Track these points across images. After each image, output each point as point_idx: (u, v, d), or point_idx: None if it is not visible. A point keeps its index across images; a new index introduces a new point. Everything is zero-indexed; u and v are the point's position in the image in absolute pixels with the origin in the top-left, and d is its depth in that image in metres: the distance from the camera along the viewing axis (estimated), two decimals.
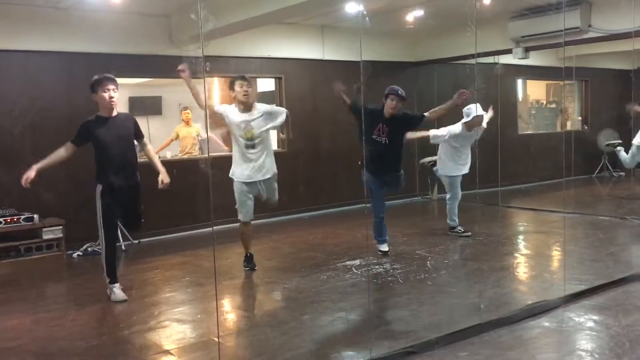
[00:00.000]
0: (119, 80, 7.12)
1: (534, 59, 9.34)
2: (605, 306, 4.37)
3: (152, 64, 7.40)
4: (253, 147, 5.46)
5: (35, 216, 6.30)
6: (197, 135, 8.96)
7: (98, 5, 6.56)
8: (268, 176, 5.55)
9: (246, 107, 5.48)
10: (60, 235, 6.39)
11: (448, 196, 6.99)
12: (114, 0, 6.31)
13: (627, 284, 4.79)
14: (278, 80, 8.72)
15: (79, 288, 5.54)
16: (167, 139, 8.96)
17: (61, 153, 4.85)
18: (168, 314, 4.52)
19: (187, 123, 8.96)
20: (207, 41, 6.57)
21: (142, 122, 6.58)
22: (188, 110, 8.96)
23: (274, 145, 8.56)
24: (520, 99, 11.84)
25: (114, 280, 4.90)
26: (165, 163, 5.32)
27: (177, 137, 8.96)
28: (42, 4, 6.41)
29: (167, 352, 3.90)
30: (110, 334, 4.17)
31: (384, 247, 6.08)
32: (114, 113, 4.83)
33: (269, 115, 5.54)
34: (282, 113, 5.61)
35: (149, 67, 7.48)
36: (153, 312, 4.62)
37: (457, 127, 6.68)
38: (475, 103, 6.41)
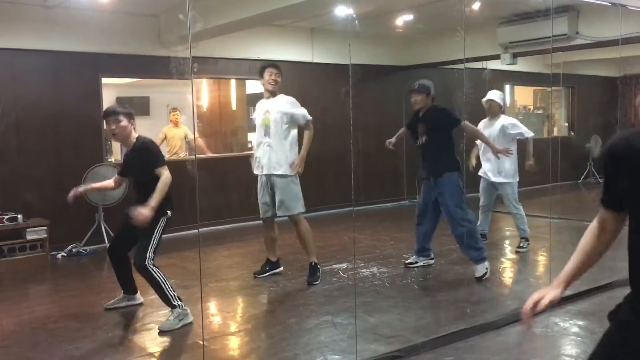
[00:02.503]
0: (105, 80, 7.18)
1: (522, 65, 9.40)
2: (590, 311, 4.39)
3: (140, 64, 7.37)
4: (268, 135, 5.24)
5: (19, 216, 6.23)
6: (185, 137, 8.93)
7: (86, 4, 6.52)
8: (279, 172, 5.20)
9: (272, 95, 5.33)
10: (45, 235, 6.32)
11: None
12: None
13: (611, 289, 4.81)
14: None
15: (63, 289, 5.48)
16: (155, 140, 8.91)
17: (108, 183, 4.78)
18: (152, 317, 4.48)
19: (176, 124, 8.92)
20: (196, 42, 6.55)
21: None
22: (177, 112, 8.93)
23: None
24: (507, 105, 11.90)
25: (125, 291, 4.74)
26: None
27: (165, 138, 8.92)
28: (29, 2, 6.35)
29: (152, 355, 3.87)
30: (94, 337, 4.13)
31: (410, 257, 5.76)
32: (130, 143, 4.38)
33: (290, 106, 5.28)
34: (301, 108, 5.30)
35: (137, 67, 7.44)
36: (137, 315, 4.58)
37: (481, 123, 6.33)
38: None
